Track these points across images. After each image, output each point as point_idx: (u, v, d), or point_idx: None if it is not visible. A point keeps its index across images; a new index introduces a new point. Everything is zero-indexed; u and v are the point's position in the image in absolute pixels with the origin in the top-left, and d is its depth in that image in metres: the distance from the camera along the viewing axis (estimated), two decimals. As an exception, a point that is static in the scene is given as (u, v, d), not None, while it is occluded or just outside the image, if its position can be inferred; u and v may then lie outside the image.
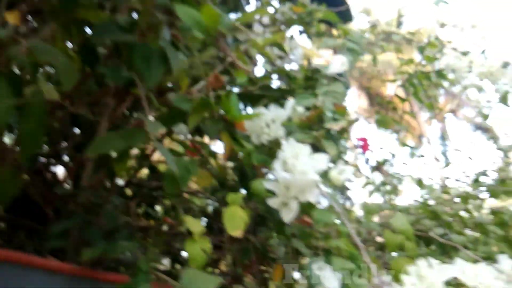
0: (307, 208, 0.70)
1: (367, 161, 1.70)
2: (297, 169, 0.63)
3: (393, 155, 2.02)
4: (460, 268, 0.69)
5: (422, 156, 2.25)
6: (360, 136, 1.52)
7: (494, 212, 1.67)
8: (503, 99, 1.92)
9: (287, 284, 0.87)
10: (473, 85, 2.33)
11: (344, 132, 0.85)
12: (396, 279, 0.72)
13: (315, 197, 0.63)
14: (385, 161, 2.13)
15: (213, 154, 0.98)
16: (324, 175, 0.69)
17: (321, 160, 0.65)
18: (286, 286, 0.87)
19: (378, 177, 1.70)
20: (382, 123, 1.24)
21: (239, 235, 0.63)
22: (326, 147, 0.76)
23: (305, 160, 0.64)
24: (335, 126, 0.79)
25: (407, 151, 2.32)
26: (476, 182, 1.90)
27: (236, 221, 0.64)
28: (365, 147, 1.39)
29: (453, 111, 8.64)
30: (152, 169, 1.23)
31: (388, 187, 1.73)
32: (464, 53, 1.30)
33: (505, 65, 1.23)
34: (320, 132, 0.78)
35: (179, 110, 0.85)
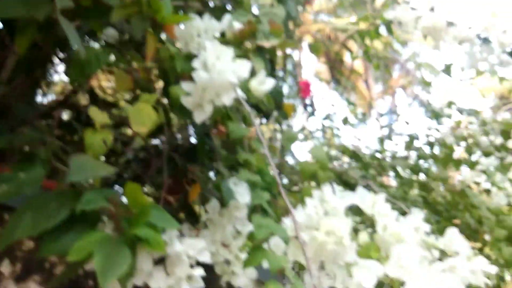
0: (224, 118, 0.69)
1: (305, 106, 1.71)
2: (216, 69, 0.60)
3: (334, 111, 2.05)
4: (360, 196, 0.71)
5: (365, 115, 2.31)
6: (303, 80, 1.51)
7: (415, 168, 1.78)
8: (447, 69, 1.99)
9: (202, 200, 0.87)
10: (426, 65, 2.38)
11: (274, 52, 0.83)
12: (303, 203, 0.73)
13: (230, 101, 0.61)
14: (328, 115, 2.17)
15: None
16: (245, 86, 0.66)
17: (243, 66, 0.63)
18: (202, 202, 0.87)
19: (314, 124, 1.72)
20: (314, 49, 1.24)
21: (144, 131, 0.60)
22: (254, 62, 0.73)
23: (226, 62, 0.61)
24: (266, 44, 0.76)
25: (351, 111, 2.38)
26: (408, 144, 1.99)
27: (142, 117, 0.60)
28: (305, 92, 1.38)
29: (404, 88, 8.95)
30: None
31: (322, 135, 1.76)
32: (413, 9, 1.30)
33: (450, 24, 1.25)
34: (251, 47, 0.75)
35: (105, 5, 0.78)
